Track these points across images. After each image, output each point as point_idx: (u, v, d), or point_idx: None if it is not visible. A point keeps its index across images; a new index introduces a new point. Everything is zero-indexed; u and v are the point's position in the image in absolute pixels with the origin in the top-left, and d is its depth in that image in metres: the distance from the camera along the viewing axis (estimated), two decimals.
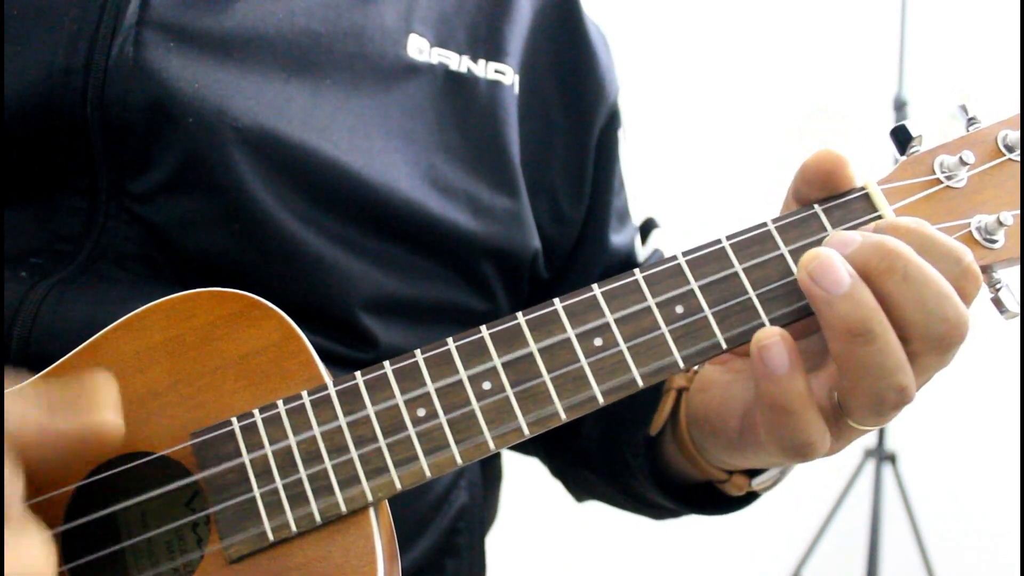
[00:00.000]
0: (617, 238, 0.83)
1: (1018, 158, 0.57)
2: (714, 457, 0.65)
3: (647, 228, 0.87)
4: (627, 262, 0.84)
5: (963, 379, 2.41)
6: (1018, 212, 0.55)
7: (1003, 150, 0.57)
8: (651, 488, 0.74)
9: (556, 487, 0.92)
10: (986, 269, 0.55)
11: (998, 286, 0.55)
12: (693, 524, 0.79)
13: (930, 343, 0.50)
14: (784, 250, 0.54)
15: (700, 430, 0.64)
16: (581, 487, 0.89)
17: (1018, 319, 0.56)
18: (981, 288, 0.52)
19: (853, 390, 0.51)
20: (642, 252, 0.86)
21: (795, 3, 2.58)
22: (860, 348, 0.49)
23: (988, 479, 2.39)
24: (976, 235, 0.55)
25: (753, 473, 0.66)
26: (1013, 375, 2.23)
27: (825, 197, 0.56)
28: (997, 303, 0.55)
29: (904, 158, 0.57)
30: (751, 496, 0.70)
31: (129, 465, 0.53)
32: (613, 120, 0.83)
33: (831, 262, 0.50)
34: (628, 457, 0.75)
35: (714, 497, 0.70)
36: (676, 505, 0.74)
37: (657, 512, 0.80)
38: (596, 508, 0.90)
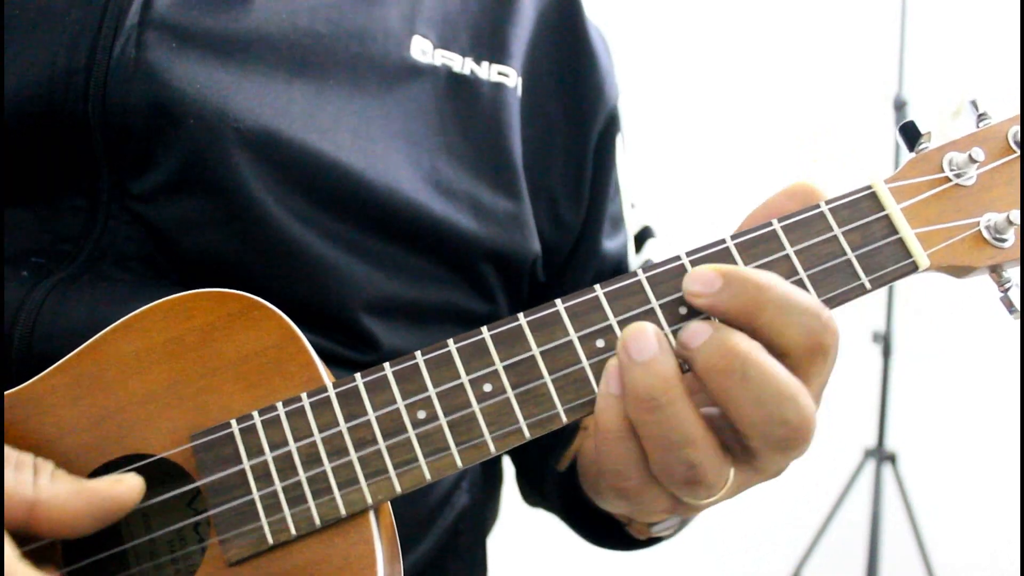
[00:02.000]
0: (609, 243, 0.83)
1: None
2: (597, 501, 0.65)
3: (643, 237, 0.87)
4: (618, 268, 0.84)
5: (963, 379, 2.42)
6: None
7: (1014, 147, 0.56)
8: (560, 514, 0.75)
9: None
10: (995, 268, 0.54)
11: (1007, 285, 0.54)
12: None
13: (769, 443, 0.50)
14: (790, 250, 0.54)
15: (580, 473, 0.64)
16: (526, 494, 0.90)
17: (1019, 319, 0.55)
18: (838, 347, 0.51)
19: (650, 460, 0.51)
20: (634, 260, 0.86)
21: (795, 4, 2.57)
22: (647, 416, 0.49)
23: (988, 479, 2.39)
24: (985, 234, 0.54)
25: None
26: (1013, 375, 2.23)
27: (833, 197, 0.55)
28: (1006, 302, 0.55)
29: (913, 155, 0.57)
30: (652, 540, 0.71)
31: (129, 468, 0.53)
32: (612, 124, 0.83)
33: (645, 333, 0.50)
34: (545, 480, 0.77)
35: (619, 533, 0.71)
36: (583, 535, 0.75)
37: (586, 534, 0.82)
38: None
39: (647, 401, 0.49)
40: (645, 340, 0.50)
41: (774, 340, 0.50)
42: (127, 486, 0.51)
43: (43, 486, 0.49)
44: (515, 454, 0.87)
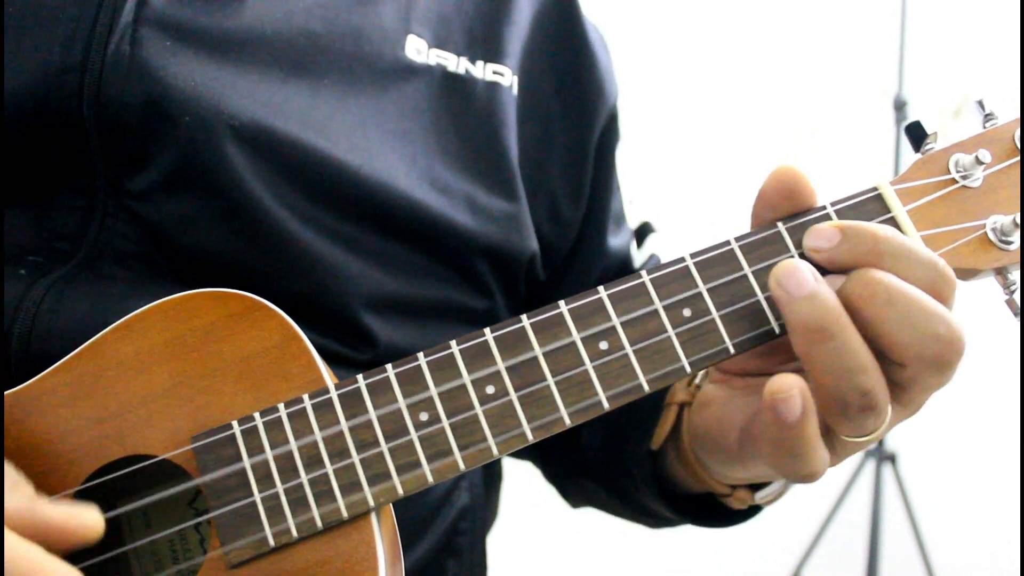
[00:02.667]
0: (614, 241, 0.83)
1: None
2: (716, 472, 0.65)
3: (643, 232, 0.87)
4: (623, 266, 0.83)
5: (963, 379, 2.42)
6: None
7: (1020, 148, 0.56)
8: (653, 499, 0.73)
9: None
10: (1001, 271, 0.54)
11: (1013, 287, 0.54)
12: (693, 525, 0.79)
13: (926, 363, 0.50)
14: (794, 252, 0.54)
15: (701, 446, 0.64)
16: (579, 495, 0.89)
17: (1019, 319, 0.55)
18: (955, 293, 0.52)
19: (818, 393, 0.51)
20: (638, 256, 0.86)
21: (795, 4, 2.57)
22: (817, 347, 0.50)
23: (988, 479, 2.39)
24: (991, 236, 0.54)
25: (757, 487, 0.66)
26: (1013, 375, 2.23)
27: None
28: (1011, 304, 0.54)
29: (920, 155, 0.56)
30: (753, 509, 0.69)
31: (129, 469, 0.53)
32: (612, 123, 0.83)
33: (798, 268, 0.51)
34: (631, 467, 0.75)
35: (716, 509, 0.70)
36: (678, 516, 0.74)
37: (655, 521, 0.80)
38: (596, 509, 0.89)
39: (820, 332, 0.50)
40: (801, 275, 0.50)
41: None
42: (81, 523, 0.48)
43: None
44: (558, 457, 0.86)
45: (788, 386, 0.50)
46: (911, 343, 0.50)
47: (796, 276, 0.50)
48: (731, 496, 0.66)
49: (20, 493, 0.49)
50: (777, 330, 0.53)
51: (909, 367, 0.51)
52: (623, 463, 0.76)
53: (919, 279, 0.51)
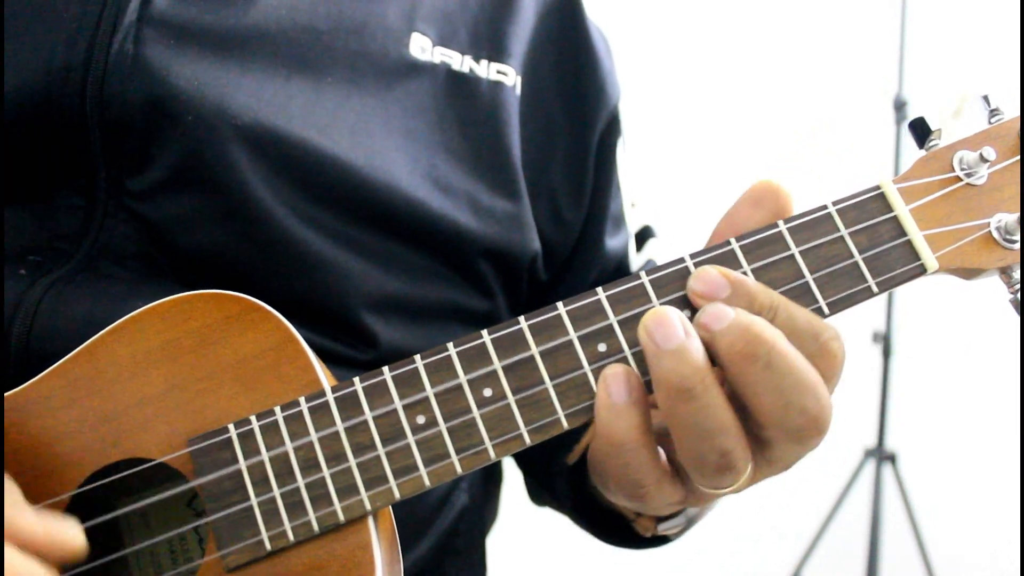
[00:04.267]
0: (612, 242, 0.82)
1: None
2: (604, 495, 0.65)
3: (643, 236, 0.87)
4: (620, 267, 0.83)
5: (963, 379, 2.42)
6: None
7: (1020, 146, 0.55)
8: (569, 512, 0.75)
9: None
10: (1005, 270, 0.54)
11: (1017, 286, 0.53)
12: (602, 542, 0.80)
13: (786, 433, 0.49)
14: (795, 251, 0.53)
15: (590, 464, 0.64)
16: (533, 493, 0.90)
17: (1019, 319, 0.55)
18: (839, 371, 0.51)
19: (679, 448, 0.51)
20: (636, 260, 0.85)
21: (795, 4, 2.57)
22: (680, 406, 0.49)
23: (988, 479, 2.39)
24: (996, 235, 0.53)
25: (662, 517, 0.66)
26: (1013, 375, 2.23)
27: (838, 199, 0.54)
28: (1016, 304, 0.54)
29: (923, 152, 0.55)
30: (662, 538, 0.70)
31: (125, 473, 0.52)
32: (613, 124, 0.82)
33: (669, 319, 0.49)
34: (554, 476, 0.76)
35: (626, 531, 0.71)
36: (590, 532, 0.75)
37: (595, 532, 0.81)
38: None
39: (683, 391, 0.48)
40: (671, 326, 0.49)
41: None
42: (65, 536, 0.48)
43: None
44: (520, 453, 0.86)
45: (614, 371, 0.50)
46: (775, 410, 0.49)
47: (667, 328, 0.49)
48: (636, 522, 0.67)
49: (12, 499, 0.49)
50: None
51: (768, 431, 0.50)
52: (551, 470, 0.77)
53: (802, 352, 0.49)
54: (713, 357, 0.49)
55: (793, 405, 0.48)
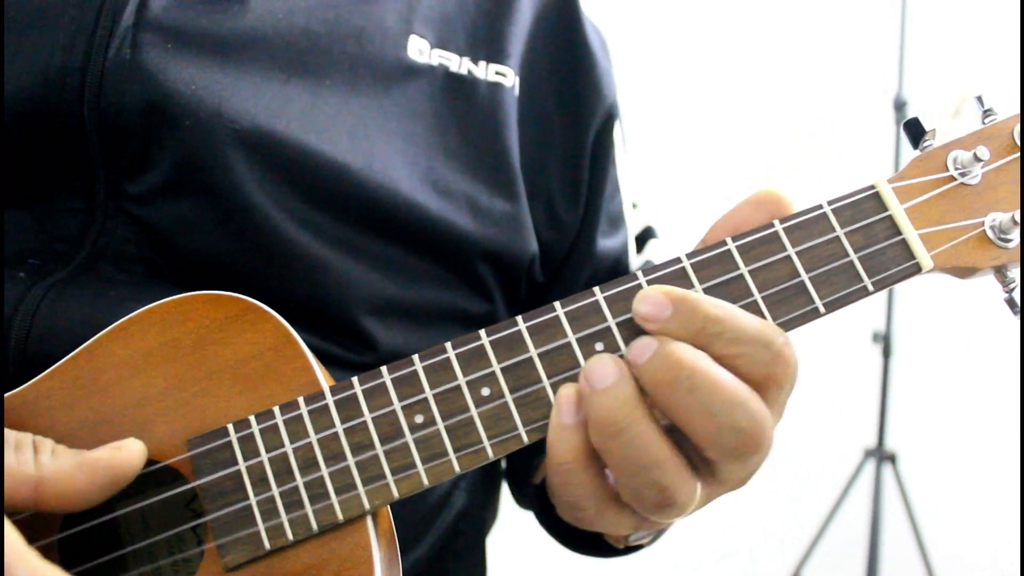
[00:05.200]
0: (606, 242, 0.82)
1: None
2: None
3: (644, 237, 0.87)
4: (616, 268, 0.83)
5: (963, 379, 2.42)
6: None
7: (1020, 145, 0.55)
8: (539, 519, 0.75)
9: None
10: (1000, 269, 0.54)
11: (1012, 285, 0.53)
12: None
13: (724, 452, 0.49)
14: (791, 251, 0.53)
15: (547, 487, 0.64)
16: (515, 495, 0.90)
17: (1019, 319, 0.55)
18: (795, 375, 0.50)
19: (619, 485, 0.51)
20: (635, 260, 0.85)
21: (795, 4, 2.57)
22: (611, 442, 0.49)
23: (988, 479, 2.39)
24: (990, 234, 0.53)
25: None
26: (1013, 375, 2.23)
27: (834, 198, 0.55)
28: (1011, 303, 0.54)
29: (917, 152, 0.56)
30: (629, 548, 0.70)
31: None
32: (609, 123, 0.82)
33: (602, 362, 0.50)
34: (524, 486, 0.77)
35: (601, 543, 0.71)
36: (561, 542, 0.75)
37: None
38: None
39: (610, 427, 0.49)
40: (603, 368, 0.50)
41: (735, 368, 0.49)
42: (128, 452, 0.51)
43: (45, 463, 0.49)
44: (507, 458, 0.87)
45: (567, 392, 0.50)
46: (709, 432, 0.48)
47: (599, 368, 0.50)
48: (606, 536, 0.67)
49: (64, 450, 0.51)
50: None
51: (708, 452, 0.50)
52: (523, 475, 0.78)
53: (752, 361, 0.49)
54: (645, 390, 0.50)
55: (725, 425, 0.48)
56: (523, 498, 0.87)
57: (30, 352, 0.60)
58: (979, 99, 0.56)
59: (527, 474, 0.80)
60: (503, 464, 0.88)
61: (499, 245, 0.74)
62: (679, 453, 0.50)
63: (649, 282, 0.53)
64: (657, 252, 0.87)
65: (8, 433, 0.50)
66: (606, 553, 0.73)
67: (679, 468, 0.50)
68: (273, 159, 0.65)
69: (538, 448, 0.73)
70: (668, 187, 2.22)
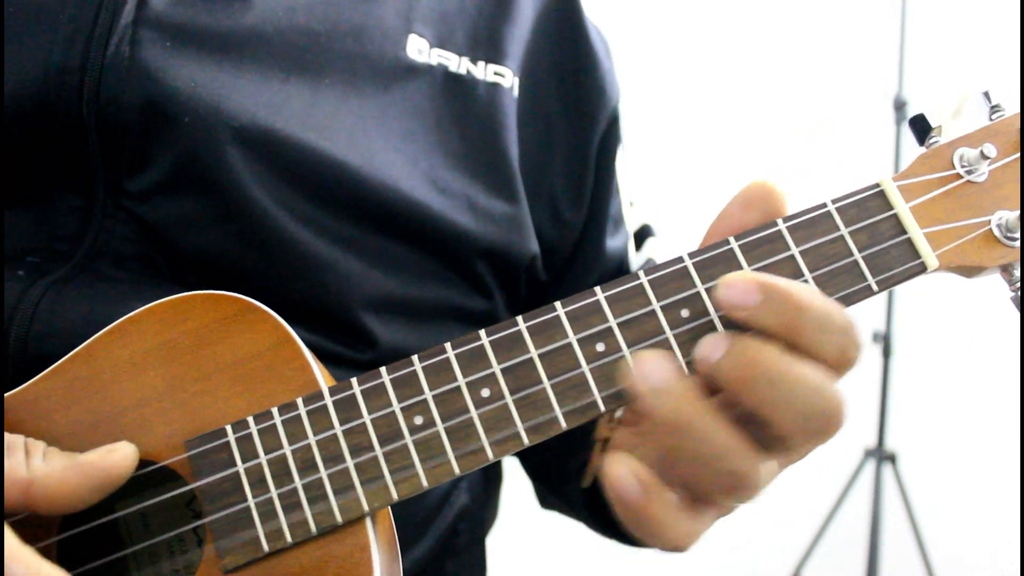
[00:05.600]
0: (612, 243, 0.83)
1: None
2: None
3: (642, 235, 0.87)
4: (621, 268, 0.83)
5: (963, 379, 2.42)
6: None
7: (1021, 146, 0.54)
8: (584, 514, 0.74)
9: None
10: (1006, 267, 0.53)
11: (1018, 284, 0.53)
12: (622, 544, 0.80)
13: (804, 436, 0.49)
14: (795, 250, 0.52)
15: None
16: (541, 498, 0.90)
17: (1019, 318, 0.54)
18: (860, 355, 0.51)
19: (685, 479, 0.50)
20: (635, 259, 0.85)
21: (795, 4, 2.57)
22: (677, 440, 0.49)
23: (988, 479, 2.39)
24: (996, 233, 0.53)
25: None
26: (1013, 375, 2.23)
27: (837, 197, 0.54)
28: (1017, 302, 0.53)
29: (924, 149, 0.55)
30: None
31: None
32: (613, 125, 0.82)
33: (651, 360, 0.49)
34: (565, 485, 0.76)
35: None
36: (607, 536, 0.75)
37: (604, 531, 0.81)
38: None
39: (675, 427, 0.48)
40: (654, 366, 0.49)
41: (814, 356, 0.49)
42: (120, 455, 0.51)
43: (36, 466, 0.49)
44: (528, 458, 0.86)
45: (617, 476, 0.49)
46: (788, 420, 0.48)
47: (649, 367, 0.49)
48: None
49: (55, 453, 0.51)
50: None
51: (791, 439, 0.49)
52: (563, 475, 0.78)
53: (835, 348, 0.49)
54: (721, 388, 0.49)
55: (808, 411, 0.48)
56: (555, 497, 0.86)
57: (29, 351, 0.60)
58: (986, 95, 0.55)
59: (565, 467, 0.79)
60: (508, 461, 0.88)
61: (498, 244, 0.74)
62: (747, 437, 0.49)
63: (651, 282, 0.53)
64: (656, 250, 0.87)
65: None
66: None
67: (749, 451, 0.49)
68: (272, 156, 0.65)
69: (577, 449, 0.73)
70: (668, 187, 2.22)
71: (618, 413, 0.64)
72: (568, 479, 0.78)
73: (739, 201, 0.55)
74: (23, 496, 0.48)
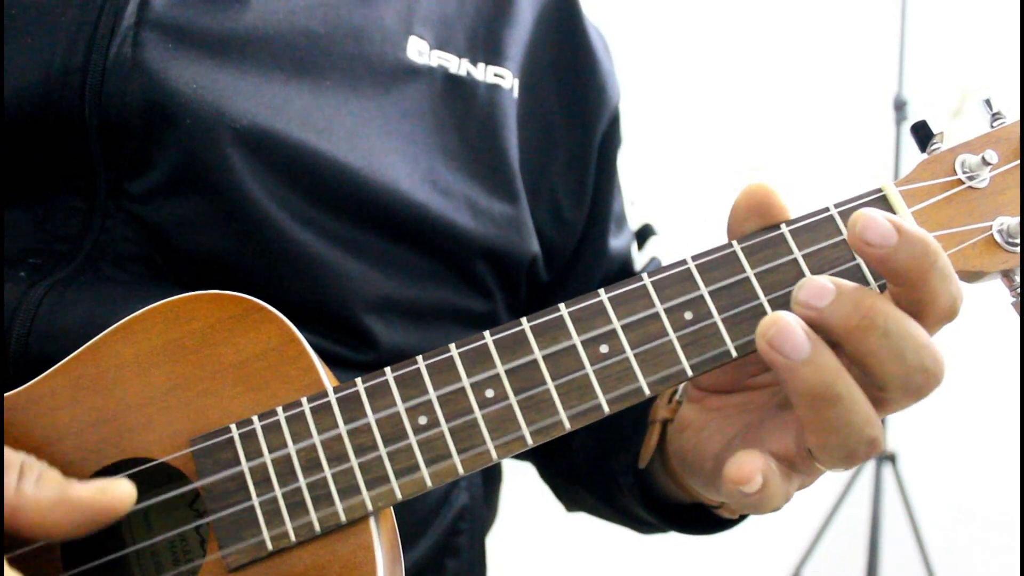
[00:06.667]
0: (616, 242, 0.83)
1: None
2: (699, 491, 0.64)
3: (644, 234, 0.87)
4: (624, 267, 0.84)
5: (963, 379, 2.42)
6: None
7: (1021, 152, 0.55)
8: (639, 508, 0.74)
9: None
10: (1007, 273, 0.54)
11: (1019, 290, 0.53)
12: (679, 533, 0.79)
13: (907, 392, 0.49)
14: (797, 254, 0.53)
15: (682, 468, 0.63)
16: (571, 499, 0.89)
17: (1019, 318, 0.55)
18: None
19: (823, 447, 0.50)
20: (639, 258, 0.85)
21: (795, 5, 2.57)
22: (826, 411, 0.48)
23: (988, 479, 2.39)
24: (998, 238, 0.53)
25: None
26: (1013, 375, 2.23)
27: (840, 202, 0.54)
28: (1017, 307, 0.54)
29: (926, 155, 0.55)
30: (743, 516, 0.69)
31: (127, 473, 0.52)
32: (614, 125, 0.83)
33: (790, 327, 0.48)
34: (617, 476, 0.75)
35: (704, 516, 0.70)
36: (665, 524, 0.74)
37: (645, 527, 0.80)
38: None
39: (826, 399, 0.48)
40: (796, 336, 0.48)
41: (927, 305, 0.49)
42: (114, 496, 0.49)
43: (26, 491, 0.48)
44: (557, 463, 0.86)
45: (748, 474, 0.49)
46: (898, 375, 0.48)
47: (791, 338, 0.48)
48: (722, 507, 0.66)
49: (49, 480, 0.49)
50: None
51: (889, 393, 0.50)
52: (611, 472, 0.76)
53: (950, 296, 0.49)
54: (821, 332, 0.49)
55: (914, 366, 0.48)
56: (596, 497, 0.84)
57: (31, 352, 0.60)
58: (987, 102, 0.56)
59: (608, 465, 0.77)
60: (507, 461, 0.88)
61: (498, 245, 0.74)
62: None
63: (654, 284, 0.53)
64: (659, 248, 0.87)
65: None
66: (717, 528, 0.71)
67: (877, 416, 0.49)
68: (273, 158, 0.65)
69: (616, 435, 0.72)
70: (667, 188, 2.22)
71: (678, 393, 0.64)
72: (612, 478, 0.77)
73: (735, 215, 0.54)
74: (8, 520, 0.47)
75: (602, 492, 0.81)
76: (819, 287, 0.48)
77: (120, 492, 0.49)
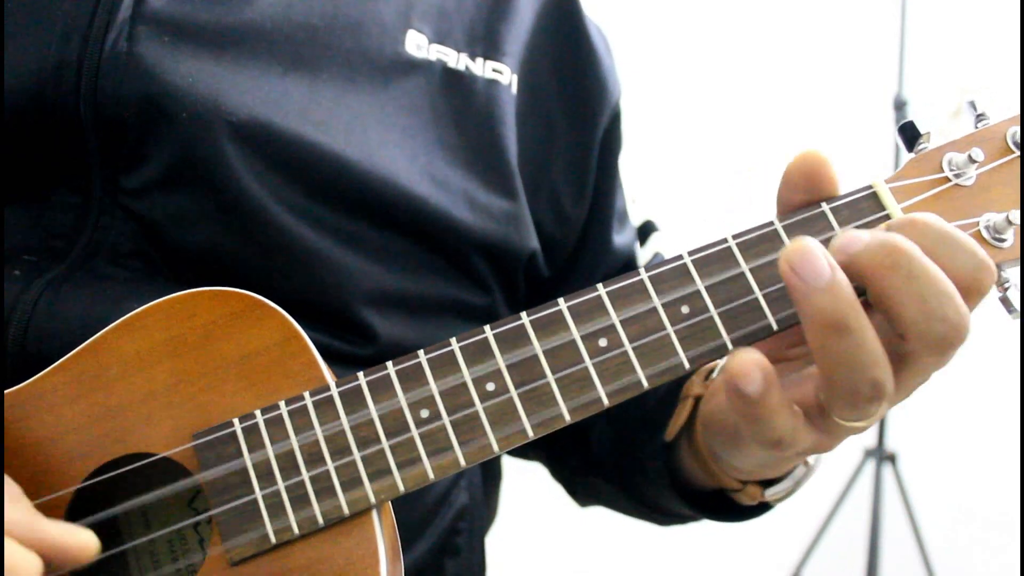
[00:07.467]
0: (619, 239, 0.83)
1: None
2: (726, 463, 0.64)
3: (646, 230, 0.87)
4: (628, 263, 0.84)
5: (963, 379, 2.41)
6: None
7: (1012, 147, 0.56)
8: (666, 493, 0.73)
9: (556, 487, 0.91)
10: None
11: (1006, 285, 0.54)
12: (693, 524, 0.79)
13: (928, 343, 0.49)
14: None
15: (708, 431, 0.63)
16: (588, 493, 0.89)
17: (1018, 320, 0.55)
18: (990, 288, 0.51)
19: (828, 383, 0.50)
20: (642, 254, 0.86)
21: (795, 5, 2.57)
22: (835, 341, 0.49)
23: (988, 479, 2.39)
24: (985, 234, 0.54)
25: (768, 483, 0.66)
26: (1013, 375, 2.23)
27: (830, 197, 0.55)
28: (1005, 302, 0.55)
29: (913, 155, 0.56)
30: (764, 506, 0.69)
31: (130, 467, 0.53)
32: (615, 122, 0.83)
33: (813, 253, 0.48)
34: (644, 462, 0.74)
35: (726, 505, 0.70)
36: (690, 510, 0.73)
37: (665, 518, 0.80)
38: (596, 508, 0.89)
39: (837, 327, 0.48)
40: (818, 262, 0.48)
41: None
42: (78, 542, 0.49)
43: None
44: (566, 457, 0.86)
45: (747, 368, 0.49)
46: (919, 321, 0.49)
47: (813, 263, 0.48)
48: (742, 492, 0.66)
49: (22, 506, 0.50)
50: (775, 326, 0.53)
51: (910, 343, 0.50)
52: (635, 458, 0.76)
53: (965, 265, 0.50)
54: (853, 277, 0.49)
55: (936, 314, 0.48)
56: (603, 484, 0.84)
57: (28, 351, 0.61)
58: (972, 104, 0.57)
59: (632, 450, 0.77)
60: (507, 460, 0.88)
61: (496, 240, 0.74)
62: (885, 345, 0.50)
63: (651, 278, 0.54)
64: (661, 244, 0.87)
65: None
66: (736, 516, 0.71)
67: (888, 362, 0.50)
68: (270, 151, 0.65)
69: (642, 423, 0.72)
70: (666, 186, 2.23)
71: (715, 372, 0.64)
72: (638, 465, 0.77)
73: (784, 187, 0.55)
74: None
75: (624, 481, 0.80)
76: (849, 237, 0.50)
77: (85, 541, 0.49)
